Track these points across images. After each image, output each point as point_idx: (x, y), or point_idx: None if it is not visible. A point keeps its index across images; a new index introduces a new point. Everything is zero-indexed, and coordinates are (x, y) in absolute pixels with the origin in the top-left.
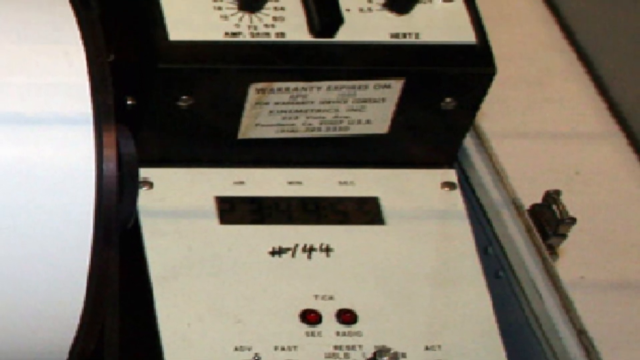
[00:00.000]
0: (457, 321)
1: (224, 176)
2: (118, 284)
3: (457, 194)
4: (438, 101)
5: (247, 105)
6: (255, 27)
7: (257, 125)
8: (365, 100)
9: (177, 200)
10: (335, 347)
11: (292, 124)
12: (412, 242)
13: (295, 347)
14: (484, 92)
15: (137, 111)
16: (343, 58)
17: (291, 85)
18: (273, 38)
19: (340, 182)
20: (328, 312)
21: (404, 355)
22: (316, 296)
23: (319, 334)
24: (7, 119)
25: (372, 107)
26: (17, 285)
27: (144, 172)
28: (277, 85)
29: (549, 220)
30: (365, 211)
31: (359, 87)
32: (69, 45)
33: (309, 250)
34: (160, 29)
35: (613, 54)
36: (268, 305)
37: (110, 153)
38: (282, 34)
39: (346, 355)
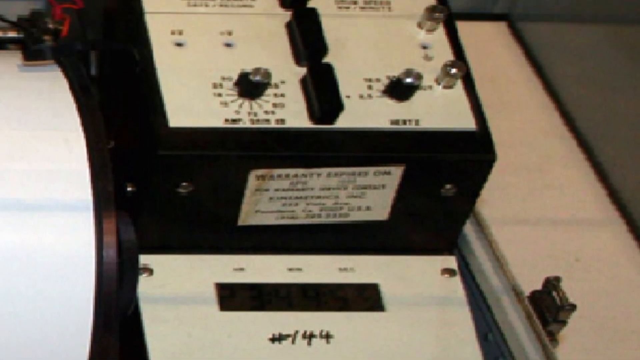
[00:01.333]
0: None
1: (224, 263)
2: None
3: (457, 280)
4: (438, 187)
5: (247, 192)
6: (256, 114)
7: (257, 211)
8: (365, 187)
9: (177, 287)
10: None
11: (292, 211)
12: (412, 329)
13: None
14: (484, 178)
15: (137, 197)
16: (343, 144)
17: (291, 171)
18: (273, 125)
19: (340, 269)
20: None
21: None
22: None
23: None
24: (8, 205)
25: (372, 194)
26: None
27: (144, 259)
28: (277, 171)
29: (549, 307)
30: (365, 297)
31: (359, 174)
32: (69, 131)
33: (309, 336)
34: (161, 116)
35: (613, 141)
36: None
37: (110, 240)
38: (282, 121)
39: None
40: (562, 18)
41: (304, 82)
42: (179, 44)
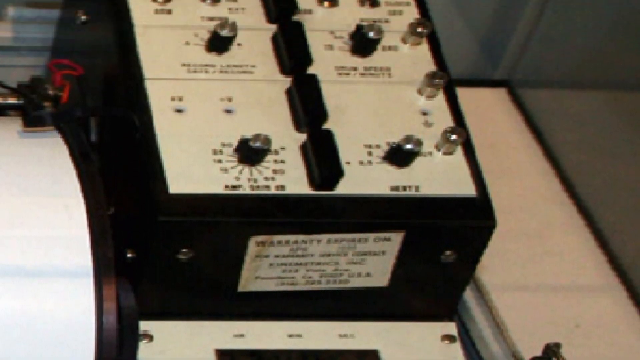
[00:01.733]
0: None
1: (224, 329)
2: None
3: (457, 347)
4: (438, 254)
5: (247, 258)
6: (256, 180)
7: (257, 278)
8: (365, 253)
9: (177, 353)
10: None
11: (292, 277)
12: None
13: None
14: (484, 245)
15: (137, 264)
16: (343, 211)
17: (291, 238)
18: (273, 191)
19: (340, 335)
20: None
21: None
22: None
23: None
24: (8, 271)
25: (372, 260)
26: None
27: (144, 325)
28: (277, 238)
29: None
30: None
31: (359, 240)
32: (69, 198)
33: None
34: (161, 182)
35: (613, 208)
36: None
37: (110, 306)
38: (282, 187)
39: None
40: (562, 84)
41: (304, 148)
42: (179, 110)
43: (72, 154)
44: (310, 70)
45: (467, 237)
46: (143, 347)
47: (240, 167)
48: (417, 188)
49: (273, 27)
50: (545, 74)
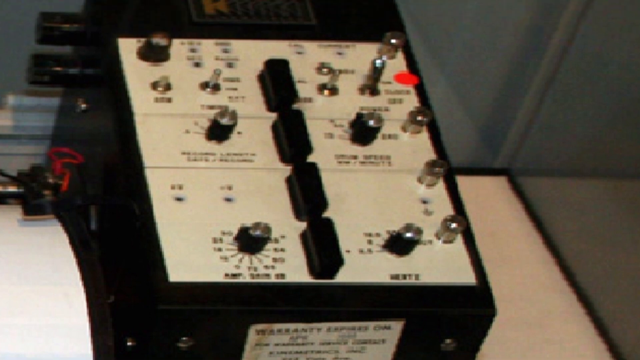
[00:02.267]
0: None
1: None
2: None
3: None
4: (438, 342)
5: (247, 347)
6: (256, 269)
7: None
8: (365, 342)
9: None
10: None
11: None
12: None
13: None
14: (484, 333)
15: (138, 352)
16: (343, 299)
17: (291, 326)
18: (273, 279)
19: None
20: None
21: None
22: None
23: None
24: None
25: (372, 348)
26: None
27: None
28: (277, 326)
29: None
30: None
31: (359, 329)
32: (69, 286)
33: None
34: (160, 270)
35: (613, 296)
36: None
37: None
38: (282, 275)
39: None
40: (562, 173)
41: (304, 236)
42: (179, 199)
43: (72, 242)
44: (310, 158)
45: (467, 325)
46: None
47: (240, 256)
48: (417, 277)
49: (273, 115)
50: (545, 163)
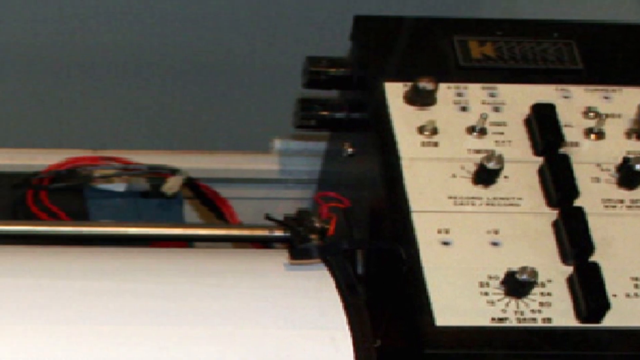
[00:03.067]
0: None
1: None
2: None
3: None
4: None
5: None
6: (522, 313)
7: None
8: None
9: None
10: None
11: None
12: None
13: None
14: None
15: None
16: (610, 344)
17: None
18: (540, 323)
19: None
20: None
21: None
22: None
23: None
24: None
25: None
26: None
27: None
28: None
29: None
30: None
31: None
32: (336, 330)
33: None
34: (427, 315)
35: None
36: None
37: None
38: (549, 319)
39: None
40: None
41: (570, 280)
42: (445, 243)
43: (339, 286)
44: (577, 202)
45: None
46: None
47: (506, 300)
48: None
49: (539, 159)
50: None
